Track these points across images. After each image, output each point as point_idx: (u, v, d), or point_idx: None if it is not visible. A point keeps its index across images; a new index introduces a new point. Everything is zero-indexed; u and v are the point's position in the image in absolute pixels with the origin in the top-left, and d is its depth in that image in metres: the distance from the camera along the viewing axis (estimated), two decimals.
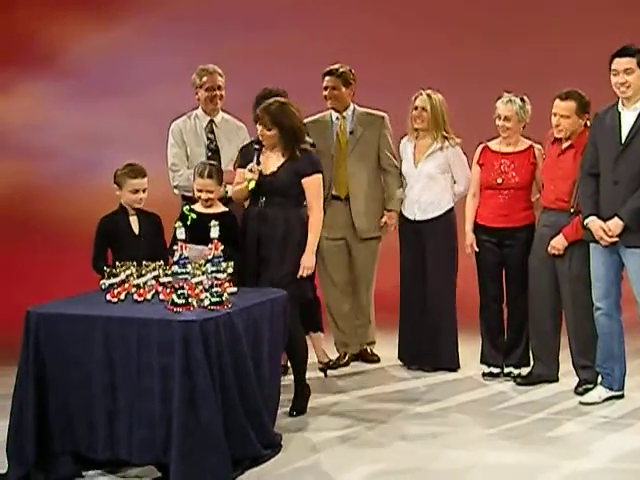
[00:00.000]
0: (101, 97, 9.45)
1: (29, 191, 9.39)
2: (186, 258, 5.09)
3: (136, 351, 4.81)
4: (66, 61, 9.64)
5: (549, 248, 6.20)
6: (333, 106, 6.84)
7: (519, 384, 6.45)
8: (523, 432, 5.59)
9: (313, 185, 5.82)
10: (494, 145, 6.56)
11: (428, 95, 6.68)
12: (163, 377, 4.77)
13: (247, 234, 5.80)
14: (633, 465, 5.08)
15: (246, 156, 5.94)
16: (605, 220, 5.80)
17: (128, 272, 5.28)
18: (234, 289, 5.24)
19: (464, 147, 6.74)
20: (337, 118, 6.85)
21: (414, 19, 9.09)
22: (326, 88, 6.84)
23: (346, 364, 6.98)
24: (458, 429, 5.67)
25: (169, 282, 5.16)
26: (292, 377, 5.99)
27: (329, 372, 6.77)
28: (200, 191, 5.85)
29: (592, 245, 5.95)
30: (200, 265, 5.10)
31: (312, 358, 6.09)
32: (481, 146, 6.62)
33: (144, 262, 5.33)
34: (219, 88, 6.70)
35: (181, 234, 5.17)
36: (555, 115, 6.15)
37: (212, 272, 5.08)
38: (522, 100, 6.44)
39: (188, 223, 5.59)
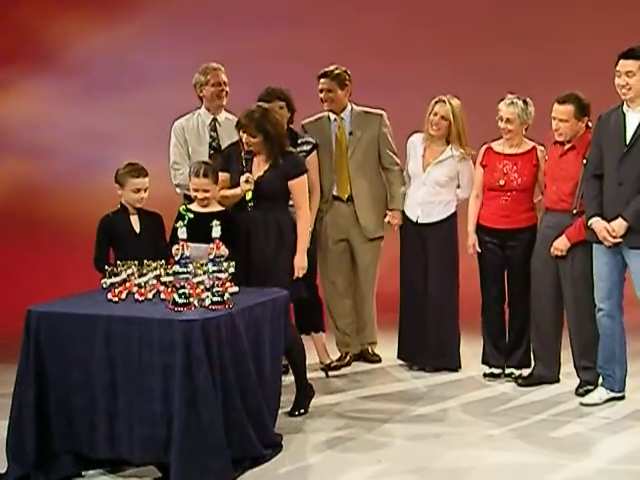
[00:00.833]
0: (104, 95, 9.45)
1: (31, 190, 9.39)
2: (187, 257, 5.09)
3: (137, 350, 4.81)
4: (69, 59, 9.65)
5: (551, 249, 6.20)
6: (330, 108, 6.80)
7: (520, 385, 6.45)
8: (524, 433, 5.58)
9: (299, 186, 5.90)
10: (497, 146, 6.55)
11: (450, 104, 6.58)
12: (164, 377, 4.77)
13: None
14: (633, 466, 5.07)
15: (228, 159, 6.00)
16: (609, 221, 5.80)
17: (129, 271, 5.28)
18: (235, 289, 5.24)
19: (474, 155, 6.70)
20: (335, 119, 6.83)
21: (419, 19, 9.08)
22: (322, 90, 6.79)
23: (347, 364, 6.97)
24: (459, 429, 5.66)
25: (170, 281, 5.16)
26: (292, 377, 5.98)
27: (330, 373, 6.76)
28: (196, 190, 5.85)
29: (595, 246, 5.94)
30: (201, 265, 5.10)
31: (312, 358, 6.09)
32: (484, 147, 6.61)
33: (145, 261, 5.33)
34: (224, 84, 6.70)
35: (182, 233, 5.17)
36: (554, 119, 6.14)
37: (213, 272, 5.08)
38: (525, 102, 6.42)
39: (185, 223, 5.59)
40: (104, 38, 9.56)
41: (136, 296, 5.20)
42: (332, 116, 6.83)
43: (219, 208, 5.87)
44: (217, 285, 5.04)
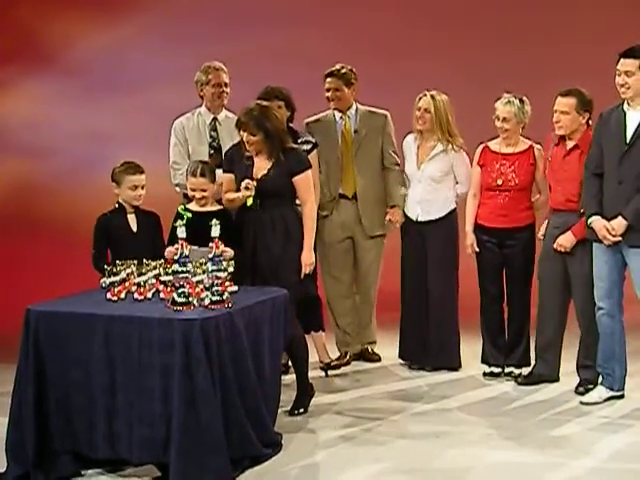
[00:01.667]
0: (104, 95, 9.46)
1: (31, 189, 9.40)
2: (187, 257, 5.09)
3: (136, 350, 4.81)
4: (69, 59, 9.66)
5: (555, 245, 6.18)
6: (336, 107, 6.82)
7: (520, 384, 6.44)
8: (524, 432, 5.58)
9: (304, 182, 5.86)
10: (494, 145, 6.55)
11: (432, 96, 6.63)
12: (163, 376, 4.77)
13: (243, 237, 5.81)
14: (633, 465, 5.07)
15: (231, 160, 5.98)
16: (609, 219, 5.80)
17: (129, 271, 5.28)
18: (235, 288, 5.24)
19: (465, 147, 6.72)
20: (341, 117, 6.84)
21: (419, 19, 9.09)
22: (328, 90, 6.81)
23: (347, 363, 6.97)
24: (459, 428, 5.66)
25: (170, 281, 5.16)
26: (293, 376, 5.99)
27: (330, 372, 6.76)
28: (193, 190, 5.85)
29: (595, 244, 5.94)
30: (201, 264, 5.10)
31: (311, 357, 6.08)
32: (481, 146, 6.61)
33: (145, 261, 5.34)
34: (225, 85, 6.70)
35: (182, 233, 5.17)
36: (556, 112, 6.14)
37: (213, 271, 5.08)
38: (521, 101, 6.42)
39: (184, 222, 5.59)
40: (104, 38, 9.57)
41: (135, 295, 5.21)
42: (338, 114, 6.83)
43: (218, 207, 5.87)
44: (216, 284, 5.04)
